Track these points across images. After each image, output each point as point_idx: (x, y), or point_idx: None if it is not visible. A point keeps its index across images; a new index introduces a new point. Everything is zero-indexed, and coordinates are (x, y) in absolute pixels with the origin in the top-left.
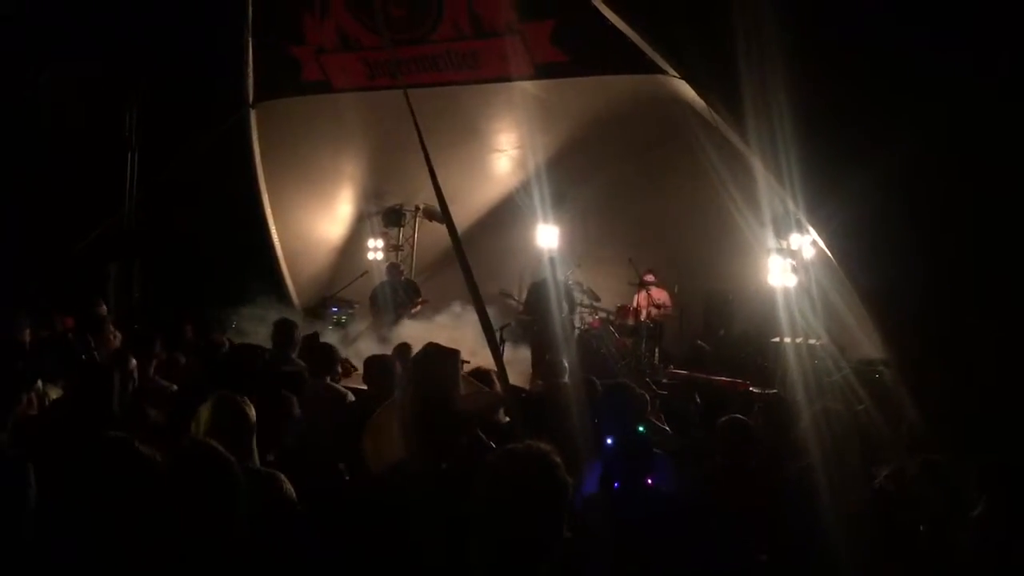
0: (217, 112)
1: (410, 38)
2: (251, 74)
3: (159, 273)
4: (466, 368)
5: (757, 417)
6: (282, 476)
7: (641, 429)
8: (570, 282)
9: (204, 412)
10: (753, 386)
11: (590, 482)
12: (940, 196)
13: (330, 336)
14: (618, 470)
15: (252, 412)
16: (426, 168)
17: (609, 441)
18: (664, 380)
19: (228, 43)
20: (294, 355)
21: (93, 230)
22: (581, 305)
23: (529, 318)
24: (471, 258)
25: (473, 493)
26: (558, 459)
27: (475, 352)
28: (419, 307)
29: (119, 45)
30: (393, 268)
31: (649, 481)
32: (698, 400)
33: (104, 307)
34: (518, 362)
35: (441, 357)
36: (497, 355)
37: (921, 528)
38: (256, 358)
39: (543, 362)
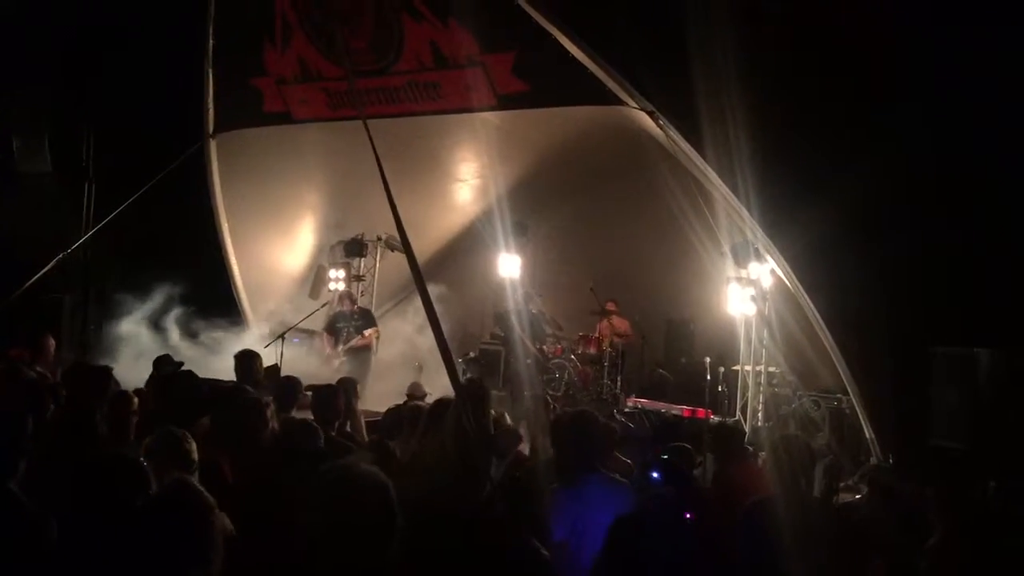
0: (176, 142)
1: (372, 69)
2: (211, 105)
3: (115, 305)
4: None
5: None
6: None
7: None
8: (533, 311)
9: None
10: (713, 414)
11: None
12: (897, 226)
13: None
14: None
15: (194, 449)
16: (387, 198)
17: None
18: (626, 409)
19: (188, 73)
20: (254, 386)
21: (48, 261)
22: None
23: (495, 345)
24: (433, 288)
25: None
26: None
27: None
28: (369, 337)
29: (76, 74)
30: (345, 296)
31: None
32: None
33: (52, 340)
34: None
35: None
36: (456, 382)
37: (876, 557)
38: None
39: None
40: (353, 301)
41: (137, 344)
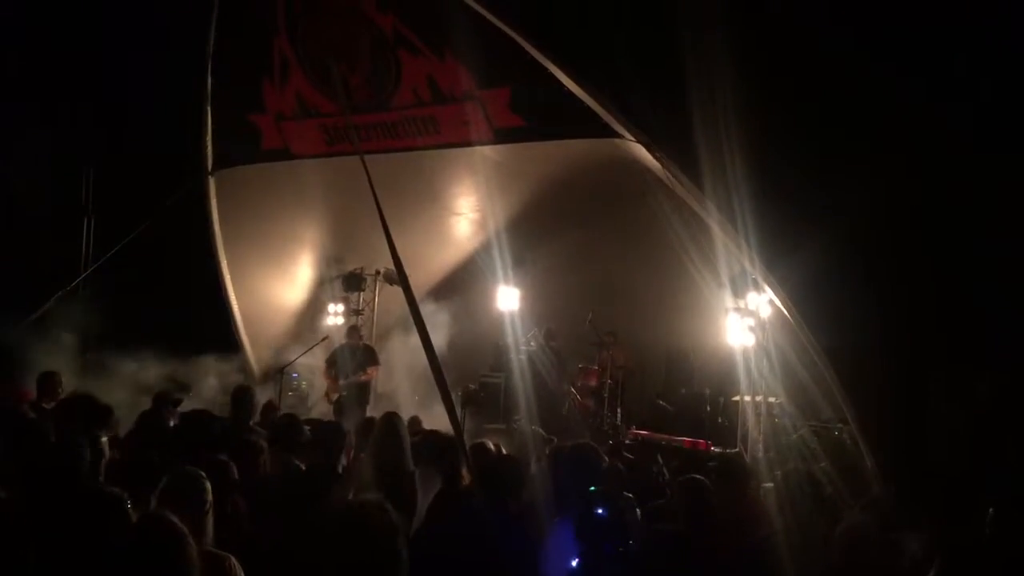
0: (175, 179)
1: (369, 104)
2: (210, 141)
3: (114, 341)
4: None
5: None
6: (232, 559)
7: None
8: (532, 344)
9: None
10: (714, 445)
11: (560, 547)
12: (895, 255)
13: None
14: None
15: (209, 489)
16: (384, 232)
17: (600, 511)
18: (627, 441)
19: (187, 110)
20: (253, 423)
21: (48, 298)
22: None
23: (494, 378)
24: (431, 321)
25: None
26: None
27: None
28: (371, 375)
29: (76, 110)
30: (352, 331)
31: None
32: (660, 461)
33: (58, 378)
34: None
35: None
36: (454, 418)
37: None
38: (211, 426)
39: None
40: (360, 336)
41: (135, 379)
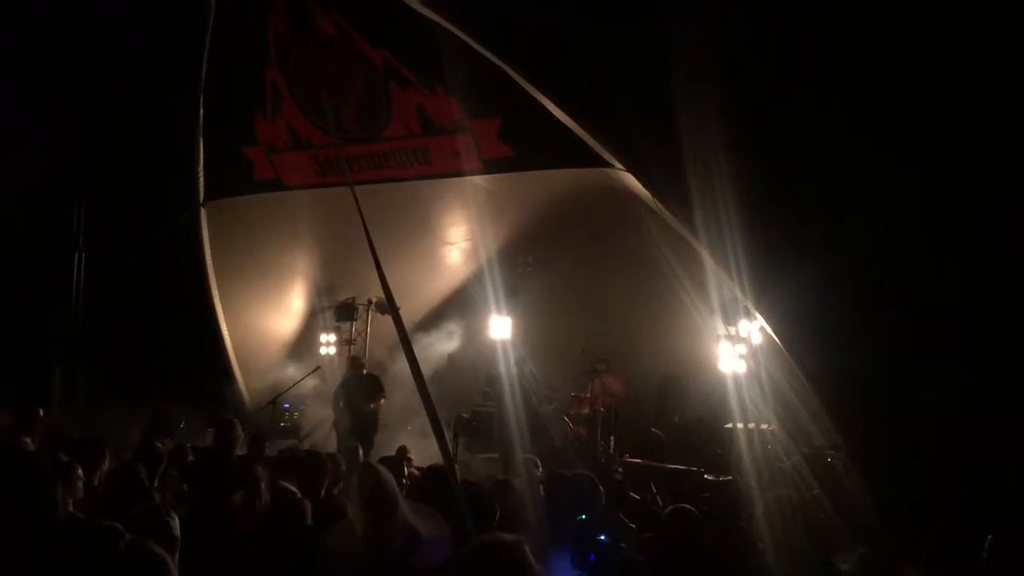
0: (168, 211)
1: (360, 136)
2: (202, 173)
3: (105, 374)
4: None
5: (704, 506)
6: None
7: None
8: (527, 371)
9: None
10: (708, 473)
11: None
12: (883, 282)
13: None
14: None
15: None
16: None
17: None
18: (619, 469)
19: (179, 142)
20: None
21: (39, 330)
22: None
23: (487, 408)
24: (424, 351)
25: None
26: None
27: None
28: (381, 403)
29: (68, 143)
30: (355, 362)
31: None
32: (654, 489)
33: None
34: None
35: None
36: (444, 448)
37: None
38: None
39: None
40: (363, 366)
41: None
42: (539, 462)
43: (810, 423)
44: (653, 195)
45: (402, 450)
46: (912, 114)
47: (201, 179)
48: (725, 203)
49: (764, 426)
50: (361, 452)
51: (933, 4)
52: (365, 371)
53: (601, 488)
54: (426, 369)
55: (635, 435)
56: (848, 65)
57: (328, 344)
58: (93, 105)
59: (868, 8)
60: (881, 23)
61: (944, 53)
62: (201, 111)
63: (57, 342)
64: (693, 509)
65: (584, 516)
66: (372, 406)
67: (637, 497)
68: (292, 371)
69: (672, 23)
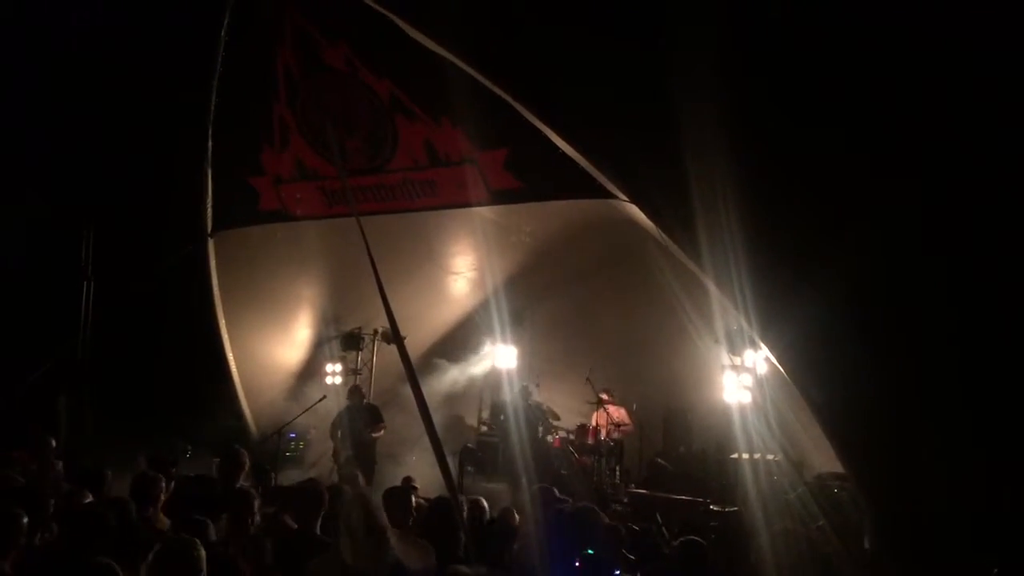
0: (175, 241)
1: (367, 167)
2: (209, 204)
3: (113, 403)
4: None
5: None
6: None
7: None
8: (529, 402)
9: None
10: (714, 504)
11: None
12: (889, 312)
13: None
14: None
15: (203, 557)
16: (380, 293)
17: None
18: (625, 499)
19: (186, 173)
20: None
21: (46, 360)
22: (541, 424)
23: (492, 437)
24: (430, 380)
25: None
26: None
27: None
28: (380, 433)
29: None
30: (355, 391)
31: None
32: (659, 520)
33: (51, 441)
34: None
35: None
36: (448, 478)
37: None
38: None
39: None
40: (363, 396)
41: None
42: (557, 491)
43: (815, 454)
44: (658, 226)
45: (407, 481)
46: (922, 142)
47: (209, 210)
48: (730, 233)
49: (770, 456)
50: (362, 479)
51: (938, 27)
52: (365, 401)
53: (605, 519)
54: (431, 398)
55: (641, 465)
56: (854, 90)
57: (334, 374)
58: (102, 134)
59: (877, 30)
60: (888, 44)
61: (951, 79)
62: (209, 143)
63: (65, 371)
64: (702, 541)
65: (591, 552)
66: (372, 435)
67: (636, 528)
68: (298, 401)
69: (675, 53)
